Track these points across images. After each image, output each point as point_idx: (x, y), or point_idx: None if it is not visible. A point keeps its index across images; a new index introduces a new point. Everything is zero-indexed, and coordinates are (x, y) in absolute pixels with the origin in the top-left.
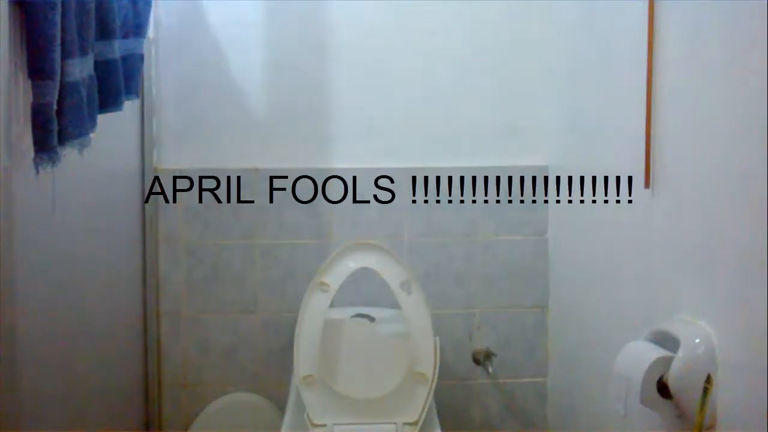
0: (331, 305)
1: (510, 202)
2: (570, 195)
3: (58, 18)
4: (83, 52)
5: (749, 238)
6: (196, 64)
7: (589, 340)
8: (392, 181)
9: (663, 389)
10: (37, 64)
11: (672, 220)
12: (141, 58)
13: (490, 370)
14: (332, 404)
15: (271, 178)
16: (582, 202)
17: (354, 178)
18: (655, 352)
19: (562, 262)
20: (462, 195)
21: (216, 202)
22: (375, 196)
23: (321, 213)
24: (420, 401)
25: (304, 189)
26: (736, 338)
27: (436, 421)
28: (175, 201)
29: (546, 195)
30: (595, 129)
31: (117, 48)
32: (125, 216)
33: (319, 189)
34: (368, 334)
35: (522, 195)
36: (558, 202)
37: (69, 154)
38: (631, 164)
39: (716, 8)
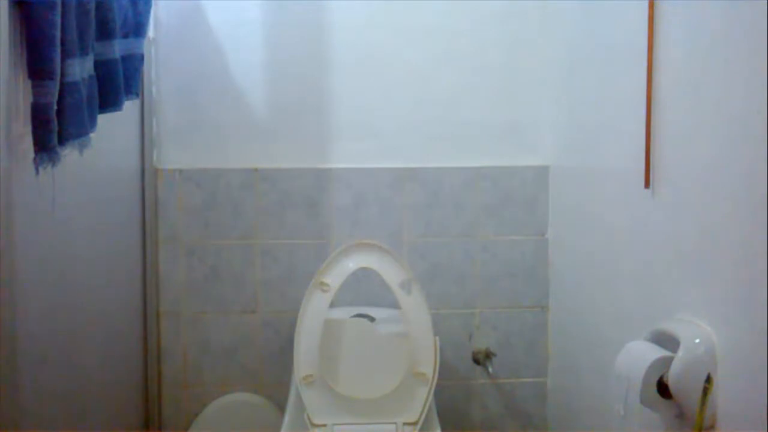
0: (331, 305)
1: (510, 202)
2: (570, 195)
3: (58, 18)
4: (83, 52)
5: (749, 238)
6: (196, 63)
7: (589, 340)
8: (392, 181)
9: (663, 389)
10: (37, 64)
11: (672, 219)
12: (141, 58)
13: (490, 370)
14: (332, 404)
15: (272, 178)
16: (582, 202)
17: (354, 178)
18: (655, 352)
19: (562, 262)
20: (462, 195)
21: (216, 202)
22: (375, 196)
23: (321, 213)
24: (420, 401)
25: (305, 189)
26: (736, 338)
27: (436, 421)
28: (175, 201)
29: (546, 195)
30: (595, 129)
31: (117, 48)
32: (125, 216)
33: (320, 189)
34: (368, 334)
35: (522, 195)
36: (558, 202)
37: (69, 154)
38: (631, 164)
39: (716, 8)
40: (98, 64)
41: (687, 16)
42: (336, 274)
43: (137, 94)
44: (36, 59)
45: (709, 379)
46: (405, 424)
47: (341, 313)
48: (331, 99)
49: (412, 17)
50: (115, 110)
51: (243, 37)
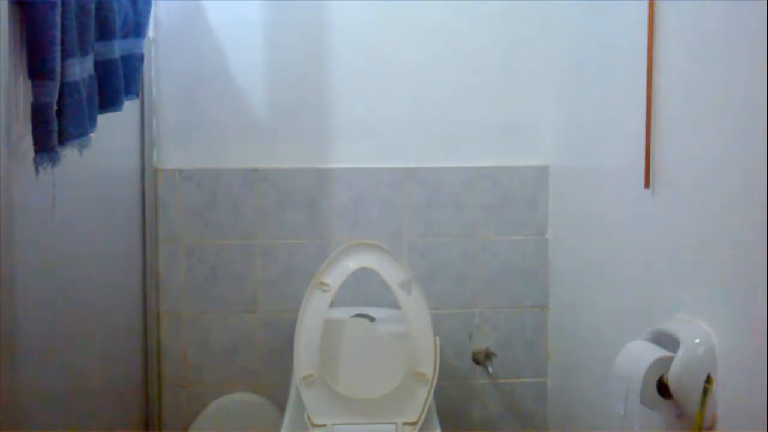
0: (331, 305)
1: (510, 202)
2: (570, 195)
3: (58, 18)
4: (83, 52)
5: (749, 238)
6: (196, 63)
7: (589, 340)
8: (392, 181)
9: (663, 389)
10: (37, 64)
11: (672, 220)
12: (141, 58)
13: (490, 370)
14: (332, 404)
15: (272, 178)
16: (582, 202)
17: (354, 178)
18: (655, 352)
19: (562, 262)
20: (462, 195)
21: (216, 202)
22: (375, 196)
23: (321, 213)
24: (420, 401)
25: (305, 189)
26: (736, 338)
27: (436, 421)
28: (175, 201)
29: (546, 195)
30: (595, 129)
31: (117, 48)
32: (125, 216)
33: (320, 189)
34: (368, 334)
35: (522, 195)
36: (558, 202)
37: (69, 154)
38: (631, 164)
39: (716, 8)
40: (98, 64)
41: (687, 16)
42: (336, 274)
43: (137, 94)
44: (36, 59)
45: (709, 379)
46: (405, 424)
47: (341, 313)
48: (331, 99)
49: (412, 17)
50: (115, 110)
51: (243, 37)
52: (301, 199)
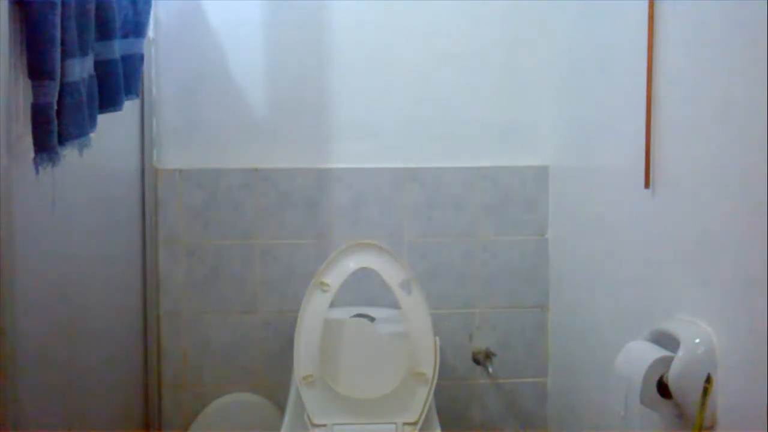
0: (331, 305)
1: (510, 202)
2: (570, 195)
3: (58, 18)
4: (83, 52)
5: (749, 238)
6: (196, 63)
7: (589, 340)
8: (392, 181)
9: (663, 389)
10: (37, 64)
11: (672, 220)
12: (141, 58)
13: (490, 370)
14: (332, 404)
15: (272, 178)
16: (582, 202)
17: (354, 178)
18: (655, 352)
19: (562, 262)
20: (462, 195)
21: (216, 202)
22: (375, 196)
23: (321, 213)
24: (420, 401)
25: (305, 189)
26: (736, 338)
27: (436, 421)
28: (175, 201)
29: (546, 195)
30: (595, 129)
31: (117, 48)
32: (125, 216)
33: (320, 189)
34: (368, 334)
35: (522, 195)
36: (558, 202)
37: (69, 154)
38: (631, 164)
39: (716, 8)
40: (98, 64)
41: (687, 16)
42: (336, 274)
43: (137, 94)
44: (36, 59)
45: (709, 379)
46: (405, 424)
47: (341, 313)
48: (331, 99)
49: (412, 17)
50: (115, 110)
51: (243, 37)
52: (301, 199)
